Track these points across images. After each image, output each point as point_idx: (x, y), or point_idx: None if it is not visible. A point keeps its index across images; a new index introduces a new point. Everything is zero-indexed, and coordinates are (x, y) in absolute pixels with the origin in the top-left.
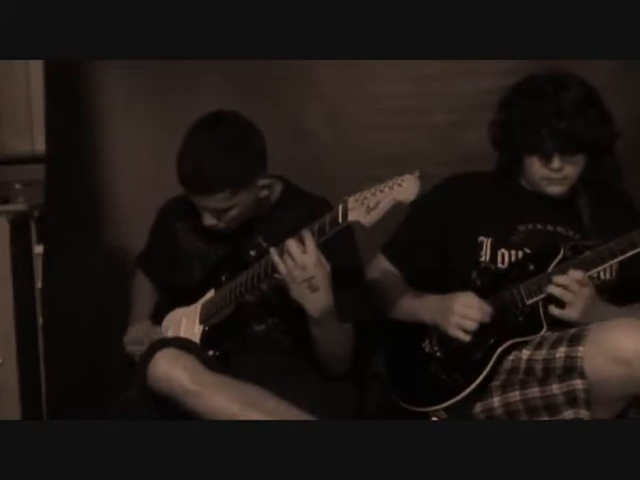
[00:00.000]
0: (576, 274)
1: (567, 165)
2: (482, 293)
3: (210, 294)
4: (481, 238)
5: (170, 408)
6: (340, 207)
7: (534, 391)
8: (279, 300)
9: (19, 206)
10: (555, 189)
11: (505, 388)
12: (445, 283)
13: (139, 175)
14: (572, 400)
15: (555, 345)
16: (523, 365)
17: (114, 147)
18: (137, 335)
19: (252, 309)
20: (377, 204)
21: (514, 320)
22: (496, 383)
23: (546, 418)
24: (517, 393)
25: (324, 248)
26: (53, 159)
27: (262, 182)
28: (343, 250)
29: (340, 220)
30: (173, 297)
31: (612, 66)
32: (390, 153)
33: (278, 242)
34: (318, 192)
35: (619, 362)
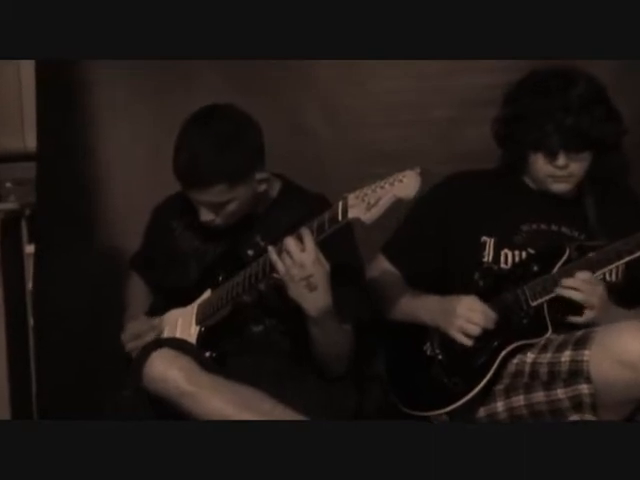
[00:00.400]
0: (584, 275)
1: (573, 162)
2: (485, 294)
3: (207, 294)
4: (484, 238)
5: (165, 409)
6: (340, 204)
7: (539, 396)
8: (277, 300)
9: (10, 205)
10: (560, 187)
11: (509, 392)
12: (447, 284)
13: (133, 174)
14: (578, 405)
15: (560, 348)
16: (528, 369)
17: (108, 146)
18: (136, 330)
19: (250, 309)
20: (378, 201)
21: (518, 322)
22: (500, 387)
23: None
24: (521, 398)
25: (323, 246)
26: (45, 157)
27: (260, 176)
28: (342, 248)
29: (340, 217)
30: (169, 297)
31: (613, 66)
32: (390, 150)
33: (276, 241)
34: (317, 189)
35: (625, 366)
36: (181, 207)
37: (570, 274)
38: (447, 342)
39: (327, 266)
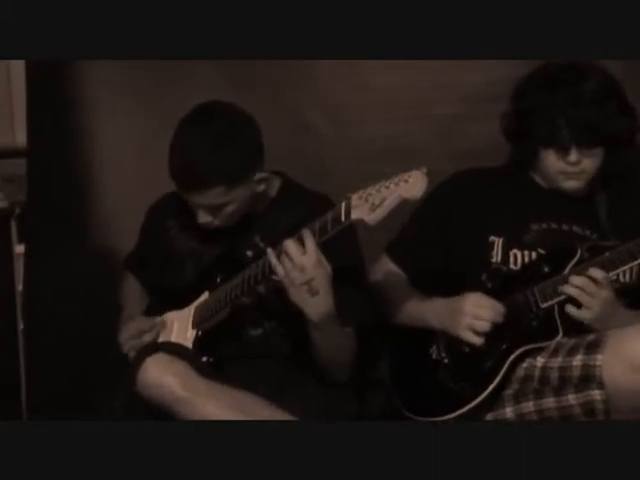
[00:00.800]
0: (596, 273)
1: (585, 158)
2: (493, 296)
3: (204, 297)
4: (492, 238)
5: (160, 415)
6: (343, 205)
7: (549, 401)
8: (277, 303)
9: None
10: (572, 184)
11: (518, 398)
12: (453, 285)
13: (127, 173)
14: (590, 411)
15: (572, 352)
16: (537, 373)
17: (100, 145)
18: (135, 329)
19: (248, 312)
20: (382, 201)
21: (528, 325)
22: (509, 392)
23: None
24: (531, 403)
25: (324, 248)
26: (35, 154)
27: (259, 176)
28: (345, 250)
29: (343, 218)
30: (164, 300)
31: (628, 62)
32: (391, 147)
33: (276, 242)
34: (318, 188)
35: (638, 370)
36: (177, 207)
37: (582, 274)
38: (453, 345)
39: (329, 268)
